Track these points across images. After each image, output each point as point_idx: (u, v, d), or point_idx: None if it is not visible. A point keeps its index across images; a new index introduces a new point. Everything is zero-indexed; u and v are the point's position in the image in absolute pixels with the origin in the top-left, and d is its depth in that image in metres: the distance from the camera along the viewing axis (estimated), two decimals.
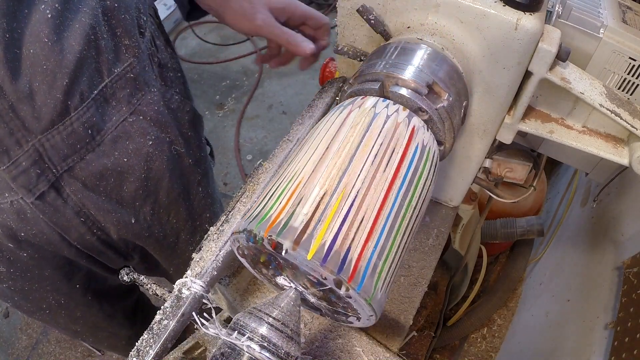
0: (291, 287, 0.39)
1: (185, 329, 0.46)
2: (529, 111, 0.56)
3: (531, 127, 0.56)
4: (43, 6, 0.53)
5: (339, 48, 0.58)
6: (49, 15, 0.54)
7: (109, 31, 0.62)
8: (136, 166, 0.71)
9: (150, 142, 0.72)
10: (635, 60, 0.56)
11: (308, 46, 0.72)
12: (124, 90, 0.66)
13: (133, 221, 0.77)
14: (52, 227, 0.69)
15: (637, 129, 0.51)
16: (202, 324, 0.38)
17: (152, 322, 0.44)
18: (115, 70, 0.64)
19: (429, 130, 0.45)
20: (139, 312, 1.16)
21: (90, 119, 0.63)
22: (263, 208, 0.38)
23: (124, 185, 0.72)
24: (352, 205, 0.36)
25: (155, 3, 0.81)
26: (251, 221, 0.37)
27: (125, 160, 0.69)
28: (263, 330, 0.35)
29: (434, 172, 0.44)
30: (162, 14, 2.71)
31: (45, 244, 0.72)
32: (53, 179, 0.63)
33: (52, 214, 0.67)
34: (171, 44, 0.83)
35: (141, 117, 0.70)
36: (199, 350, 0.65)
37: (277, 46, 0.81)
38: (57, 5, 0.54)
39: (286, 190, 0.38)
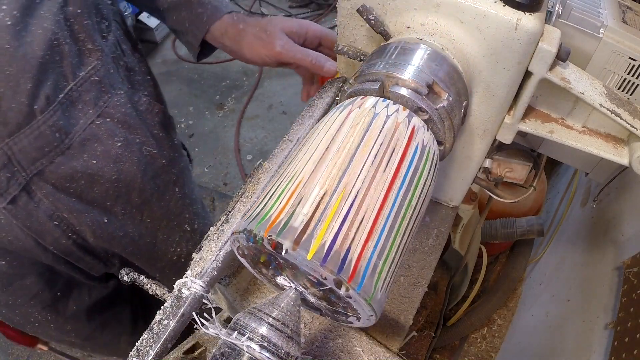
0: (291, 287, 0.39)
1: (187, 329, 0.46)
2: (529, 111, 0.56)
3: (531, 127, 0.56)
4: (2, 14, 0.54)
5: (339, 48, 0.58)
6: (8, 22, 0.55)
7: (72, 36, 0.63)
8: (106, 168, 0.72)
9: (120, 144, 0.73)
10: (635, 60, 0.56)
11: (333, 65, 0.70)
12: (90, 93, 0.67)
13: (106, 220, 0.77)
14: (27, 232, 0.69)
15: (637, 129, 0.51)
16: (202, 324, 0.38)
17: (152, 322, 0.44)
18: (80, 74, 0.65)
19: (429, 130, 0.45)
20: (139, 319, 1.16)
21: (57, 123, 0.64)
22: (263, 208, 0.38)
23: (94, 187, 0.72)
24: (352, 205, 0.36)
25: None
26: (251, 221, 0.37)
27: (95, 162, 0.70)
28: (263, 330, 0.35)
29: (434, 172, 0.44)
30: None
31: (22, 250, 0.73)
32: (24, 182, 0.64)
33: (25, 219, 0.67)
34: (139, 49, 0.84)
35: (108, 120, 0.71)
36: (199, 350, 0.65)
37: (306, 72, 0.80)
38: (15, 12, 0.55)
39: (286, 190, 0.38)
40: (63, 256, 0.78)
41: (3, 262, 0.74)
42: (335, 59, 0.72)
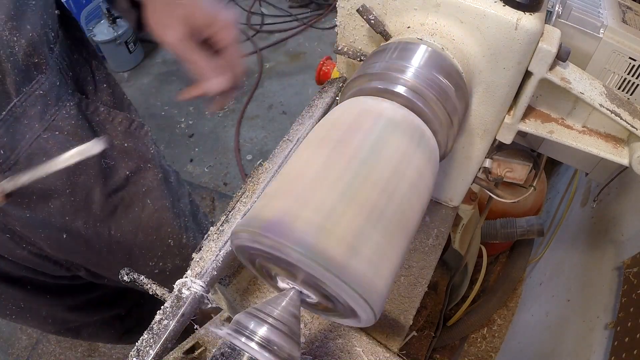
0: (291, 287, 0.39)
1: (187, 328, 0.46)
2: (529, 111, 0.56)
3: (531, 127, 0.56)
4: None
5: (339, 48, 0.58)
6: None
7: (15, 52, 0.60)
8: (58, 182, 0.69)
9: None
10: (635, 60, 0.56)
11: (214, 83, 0.61)
12: (35, 108, 0.65)
13: (65, 236, 0.74)
14: None
15: (637, 129, 0.51)
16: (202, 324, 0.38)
17: (152, 322, 0.44)
18: (24, 89, 0.63)
19: (429, 130, 0.45)
20: (119, 298, 1.13)
21: (1, 140, 0.62)
22: (263, 208, 0.38)
23: (49, 202, 0.70)
24: (352, 206, 0.36)
25: None
26: (251, 221, 0.37)
27: (45, 177, 0.66)
28: (263, 330, 0.35)
29: (434, 172, 0.44)
30: None
31: None
32: None
33: None
34: (97, 55, 0.80)
35: (57, 133, 0.68)
36: (199, 350, 0.65)
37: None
38: None
39: (286, 191, 0.38)
40: (22, 263, 0.76)
41: None
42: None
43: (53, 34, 0.68)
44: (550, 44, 0.47)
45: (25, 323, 0.96)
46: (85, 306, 1.04)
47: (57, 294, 0.93)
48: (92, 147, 0.54)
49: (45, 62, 0.65)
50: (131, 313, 1.20)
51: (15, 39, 0.60)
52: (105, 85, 0.80)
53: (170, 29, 0.60)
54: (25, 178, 0.54)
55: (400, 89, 0.44)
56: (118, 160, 0.78)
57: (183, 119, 2.51)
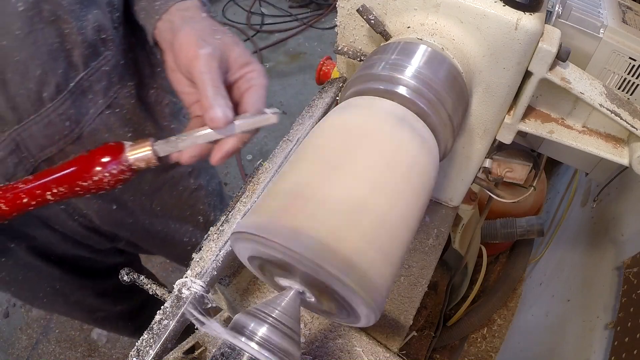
0: (291, 287, 0.39)
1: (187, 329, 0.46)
2: (529, 111, 0.56)
3: (531, 127, 0.56)
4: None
5: (339, 48, 0.58)
6: (21, 9, 0.54)
7: (84, 25, 0.63)
8: None
9: (130, 135, 0.73)
10: (635, 60, 0.56)
11: (219, 114, 0.49)
12: (100, 84, 0.67)
13: (114, 207, 0.78)
14: (35, 215, 0.71)
15: (637, 129, 0.51)
16: (202, 324, 0.38)
17: (152, 322, 0.44)
18: (92, 64, 0.65)
19: (429, 130, 0.45)
20: (135, 289, 1.18)
21: (67, 111, 0.64)
22: (263, 208, 0.38)
23: None
24: (352, 205, 0.36)
25: None
26: (251, 221, 0.37)
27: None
28: (263, 330, 0.35)
29: (434, 172, 0.44)
30: None
31: (31, 232, 0.74)
32: (31, 168, 0.64)
33: None
34: (148, 41, 0.81)
35: (117, 110, 0.71)
36: (199, 350, 0.65)
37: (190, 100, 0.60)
38: None
39: (286, 191, 0.38)
40: (70, 235, 0.80)
41: (12, 245, 0.75)
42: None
43: (118, 14, 0.70)
44: (550, 44, 0.47)
45: (53, 308, 0.98)
46: (112, 292, 1.08)
47: (89, 276, 0.97)
48: (268, 118, 0.53)
49: (112, 40, 0.68)
50: (144, 309, 1.24)
51: (84, 13, 0.62)
52: (159, 69, 0.83)
53: (203, 48, 0.52)
54: (184, 143, 0.53)
55: (400, 89, 0.44)
56: None
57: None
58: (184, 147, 0.53)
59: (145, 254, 1.24)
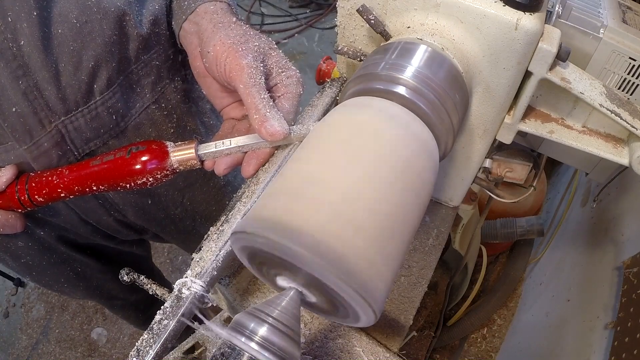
0: (291, 287, 0.39)
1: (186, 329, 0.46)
2: (529, 111, 0.56)
3: (531, 127, 0.56)
4: None
5: (339, 48, 0.58)
6: None
7: (139, 18, 0.63)
8: None
9: (172, 130, 0.73)
10: (635, 60, 0.56)
11: (277, 127, 0.48)
12: (149, 78, 0.67)
13: (149, 202, 0.79)
14: (72, 208, 0.71)
15: (637, 129, 0.51)
16: (202, 324, 0.38)
17: (152, 322, 0.44)
18: (142, 57, 0.65)
19: (429, 130, 0.45)
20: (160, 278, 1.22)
21: (115, 105, 0.63)
22: (263, 208, 0.38)
23: None
24: (352, 205, 0.36)
25: None
26: (251, 221, 0.37)
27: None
28: (263, 330, 0.35)
29: (434, 172, 0.44)
30: None
31: (63, 222, 0.74)
32: (74, 161, 0.64)
33: None
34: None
35: (163, 105, 0.71)
36: (199, 350, 0.65)
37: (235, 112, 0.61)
38: None
39: (286, 191, 0.38)
40: (102, 229, 0.80)
41: (42, 232, 0.75)
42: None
43: (169, 9, 0.71)
44: (550, 44, 0.47)
45: (74, 293, 0.99)
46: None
47: (112, 264, 0.97)
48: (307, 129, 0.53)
49: (164, 34, 0.67)
50: (156, 302, 1.27)
51: (143, 6, 0.62)
52: None
53: (244, 59, 0.51)
54: (229, 150, 0.52)
55: (400, 89, 0.44)
56: (206, 136, 0.81)
57: None
58: (228, 153, 0.53)
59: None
